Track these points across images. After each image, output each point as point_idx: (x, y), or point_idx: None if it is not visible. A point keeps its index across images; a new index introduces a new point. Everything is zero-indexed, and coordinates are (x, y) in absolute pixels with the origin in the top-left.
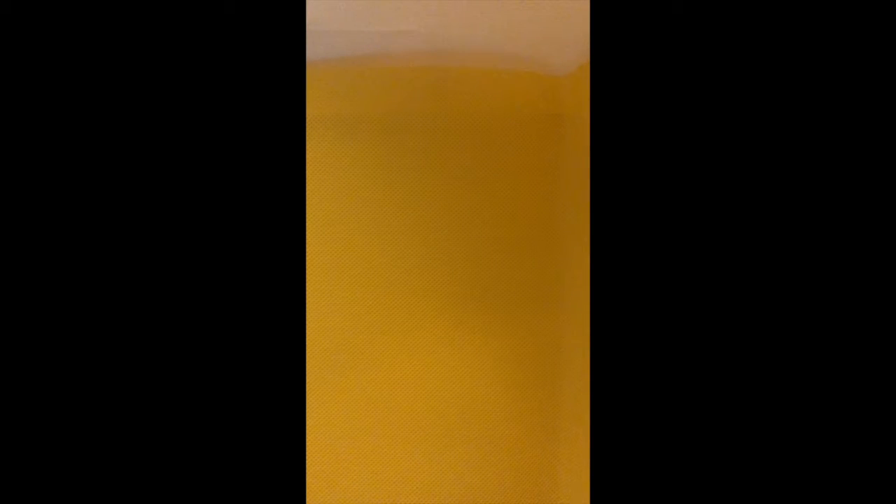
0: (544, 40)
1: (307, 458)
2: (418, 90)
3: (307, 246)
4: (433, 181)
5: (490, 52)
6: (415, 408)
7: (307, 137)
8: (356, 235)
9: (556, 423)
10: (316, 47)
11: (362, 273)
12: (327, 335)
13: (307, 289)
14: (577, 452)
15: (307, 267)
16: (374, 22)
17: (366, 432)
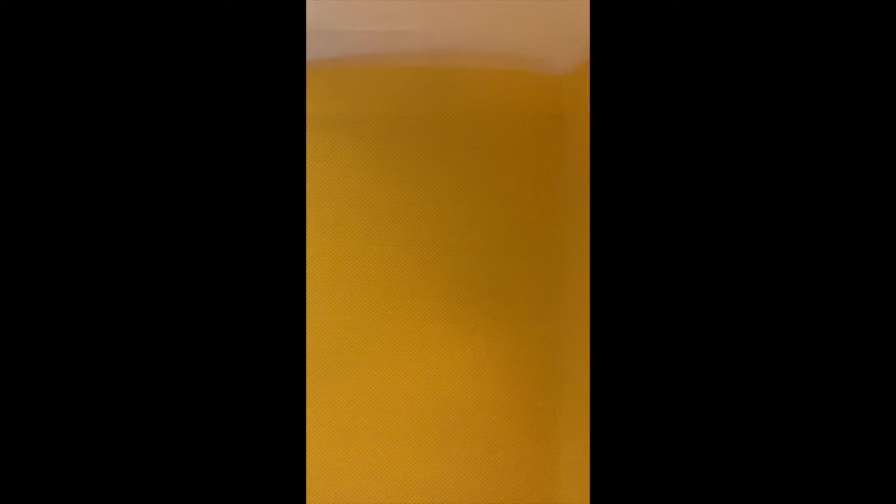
0: (544, 40)
1: (307, 458)
2: (418, 90)
3: (307, 246)
4: (433, 181)
5: (490, 52)
6: (415, 408)
7: (307, 137)
8: (356, 235)
9: (556, 423)
10: (316, 47)
11: (362, 273)
12: (327, 335)
13: (307, 289)
14: (577, 452)
15: (307, 267)
16: (374, 22)
17: (366, 432)
